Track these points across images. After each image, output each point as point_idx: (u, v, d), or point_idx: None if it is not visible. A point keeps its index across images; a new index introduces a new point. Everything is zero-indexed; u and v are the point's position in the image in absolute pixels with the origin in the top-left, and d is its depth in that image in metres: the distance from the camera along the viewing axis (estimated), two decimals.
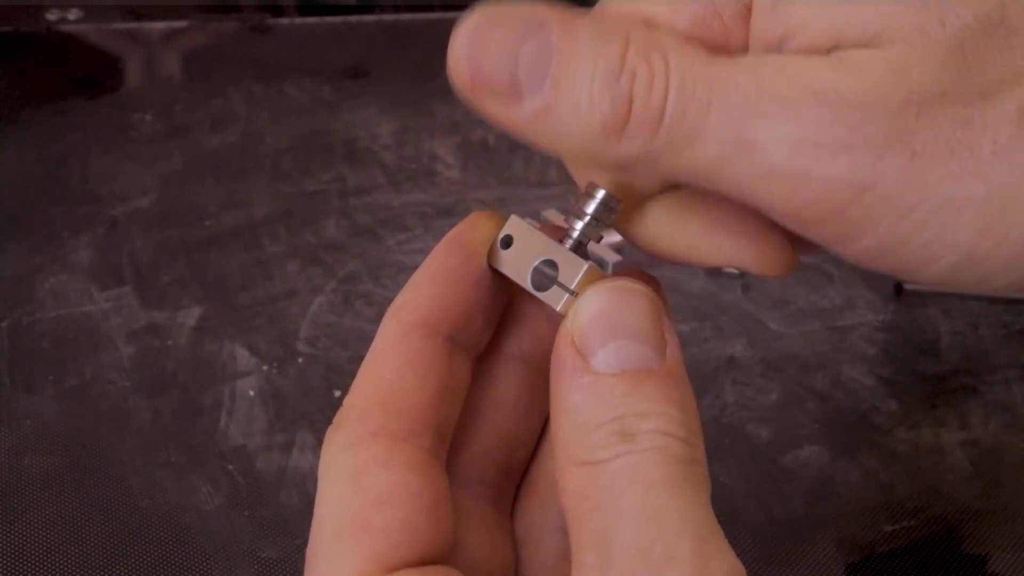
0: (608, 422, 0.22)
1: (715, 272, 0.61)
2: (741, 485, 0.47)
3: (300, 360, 0.54)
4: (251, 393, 0.51)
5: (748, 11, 0.23)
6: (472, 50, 0.22)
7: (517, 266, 0.25)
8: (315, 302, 0.58)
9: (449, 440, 0.26)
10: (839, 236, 0.22)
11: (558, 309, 0.24)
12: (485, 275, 0.26)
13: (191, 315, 0.57)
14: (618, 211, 0.25)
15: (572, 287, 0.24)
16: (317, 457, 0.49)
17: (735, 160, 0.21)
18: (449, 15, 0.95)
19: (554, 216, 0.61)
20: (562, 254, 0.25)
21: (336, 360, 0.54)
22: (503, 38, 0.22)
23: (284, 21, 0.92)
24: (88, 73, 0.82)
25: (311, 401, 0.51)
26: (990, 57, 0.20)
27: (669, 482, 0.21)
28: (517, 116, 0.22)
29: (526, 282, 0.25)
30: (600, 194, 0.25)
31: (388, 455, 0.23)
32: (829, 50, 0.21)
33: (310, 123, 0.76)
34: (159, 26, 0.89)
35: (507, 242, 0.26)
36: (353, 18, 0.93)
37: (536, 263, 0.25)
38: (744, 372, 0.54)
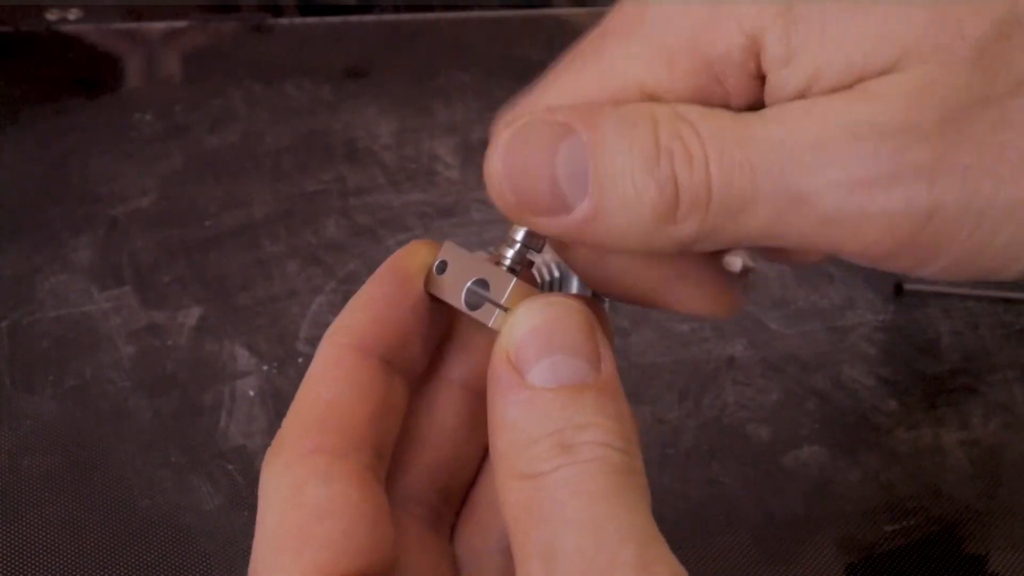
0: (547, 435, 0.22)
1: None
2: (741, 485, 0.47)
3: (300, 360, 0.54)
4: (251, 393, 0.51)
5: (750, 76, 0.23)
6: (510, 174, 0.23)
7: (452, 289, 0.26)
8: (315, 302, 0.58)
9: (388, 461, 0.26)
10: (915, 263, 0.22)
11: (490, 324, 0.24)
12: (421, 300, 0.26)
13: (191, 315, 0.57)
14: (539, 251, 0.26)
15: (502, 302, 0.24)
16: None
17: (792, 215, 0.21)
18: (449, 15, 0.95)
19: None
20: (492, 272, 0.25)
21: None
22: (536, 154, 0.22)
23: (284, 21, 0.92)
24: (88, 73, 0.82)
25: None
26: (1012, 57, 0.20)
27: (610, 491, 0.21)
28: (569, 225, 0.22)
29: (460, 303, 0.25)
30: (520, 234, 0.25)
31: (327, 470, 0.23)
32: (852, 85, 0.21)
33: (310, 123, 0.76)
34: (159, 26, 0.89)
35: (442, 267, 0.26)
36: (353, 18, 0.93)
37: (469, 284, 0.25)
38: (744, 372, 0.54)
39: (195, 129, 0.75)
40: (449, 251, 0.26)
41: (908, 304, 0.59)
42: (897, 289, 0.60)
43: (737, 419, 0.51)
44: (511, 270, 0.25)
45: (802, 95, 0.22)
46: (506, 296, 0.24)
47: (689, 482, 0.47)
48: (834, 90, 0.21)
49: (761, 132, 0.21)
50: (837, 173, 0.20)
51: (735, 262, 0.63)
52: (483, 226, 0.65)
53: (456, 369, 0.28)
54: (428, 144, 0.74)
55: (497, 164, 0.23)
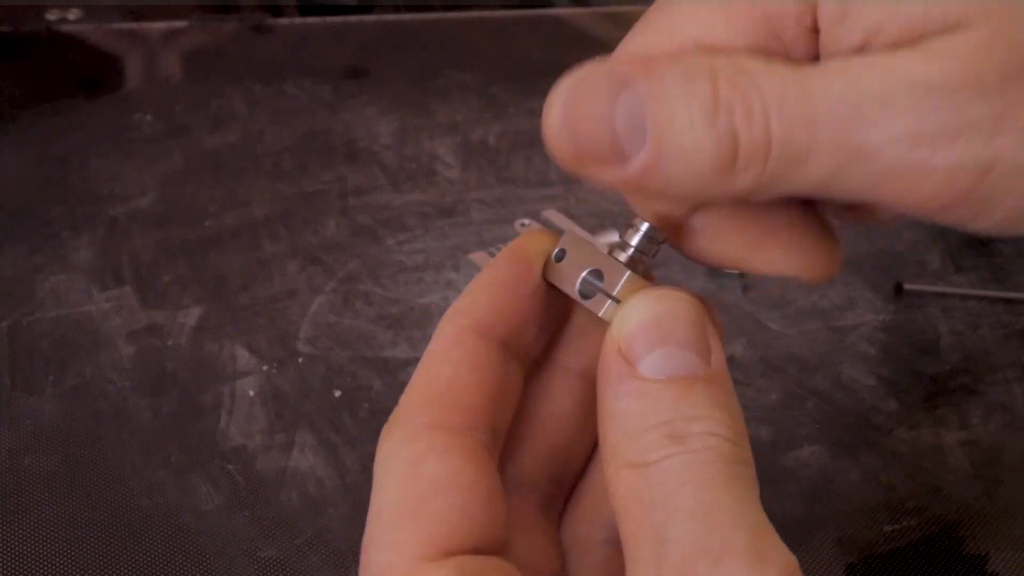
0: (657, 425, 0.22)
1: (715, 272, 0.61)
2: None
3: (300, 360, 0.54)
4: (251, 393, 0.51)
5: (806, 29, 0.23)
6: (568, 124, 0.23)
7: (568, 277, 0.26)
8: (315, 302, 0.58)
9: (502, 442, 0.26)
10: (970, 216, 0.22)
11: (600, 314, 0.25)
12: (540, 287, 0.26)
13: (191, 315, 0.57)
14: (661, 243, 0.26)
15: (614, 293, 0.25)
16: (317, 457, 0.49)
17: (852, 168, 0.21)
18: (449, 15, 0.95)
19: (554, 216, 0.61)
20: (607, 262, 0.25)
21: (336, 360, 0.54)
22: (595, 105, 0.22)
23: (284, 21, 0.93)
24: (88, 73, 0.82)
25: (311, 401, 0.51)
26: None
27: (721, 480, 0.22)
28: (627, 175, 0.23)
29: (574, 292, 0.26)
30: (644, 227, 0.26)
31: (444, 445, 0.24)
32: (914, 43, 0.21)
33: (310, 123, 0.76)
34: (159, 26, 0.89)
35: (561, 255, 0.26)
36: (353, 18, 0.93)
37: (584, 273, 0.26)
38: (744, 372, 0.54)
39: (195, 129, 0.75)
40: (569, 239, 0.26)
41: (908, 304, 0.59)
42: (897, 289, 0.60)
43: None
44: (629, 261, 0.26)
45: (860, 51, 0.22)
46: (618, 288, 0.25)
47: None
48: (894, 46, 0.21)
49: (822, 85, 0.21)
50: (900, 127, 0.21)
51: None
52: (483, 226, 0.65)
53: (572, 357, 0.28)
54: (428, 144, 0.74)
55: (556, 114, 0.23)
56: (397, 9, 0.94)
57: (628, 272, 0.25)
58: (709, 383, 0.23)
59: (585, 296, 0.25)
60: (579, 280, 0.26)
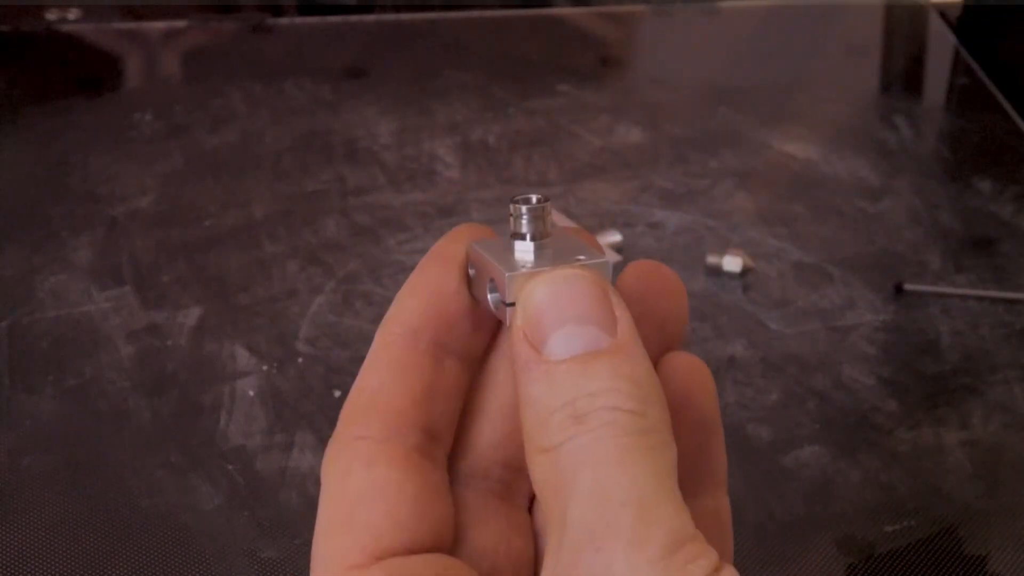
0: (562, 407, 0.22)
1: (715, 272, 0.61)
2: (741, 485, 0.47)
3: (300, 360, 0.54)
4: (251, 393, 0.51)
5: None
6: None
7: (482, 289, 0.26)
8: (315, 302, 0.58)
9: (448, 439, 0.27)
10: None
11: (507, 323, 0.25)
12: (464, 286, 0.26)
13: (191, 315, 0.57)
14: (546, 208, 0.26)
15: (508, 300, 0.25)
16: (317, 457, 0.49)
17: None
18: (449, 15, 0.95)
19: (554, 216, 0.61)
20: (496, 272, 0.25)
21: (336, 360, 0.54)
22: None
23: (284, 21, 0.93)
24: (88, 73, 0.82)
25: (311, 401, 0.51)
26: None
27: (616, 456, 0.21)
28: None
29: (488, 302, 0.26)
30: (524, 210, 0.25)
31: (370, 455, 0.24)
32: None
33: (310, 123, 0.76)
34: (159, 26, 0.89)
35: (472, 268, 0.27)
36: (353, 18, 0.93)
37: (488, 283, 0.26)
38: (744, 372, 0.54)
39: (195, 129, 0.75)
40: (474, 254, 0.26)
41: (908, 304, 0.59)
42: (897, 289, 0.60)
43: (737, 419, 0.51)
44: (516, 264, 0.25)
45: None
46: (508, 294, 0.25)
47: None
48: None
49: None
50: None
51: (735, 262, 0.63)
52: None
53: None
54: (428, 144, 0.74)
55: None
56: (397, 9, 0.94)
57: (508, 275, 0.24)
58: (612, 354, 0.23)
59: (496, 307, 0.25)
60: (487, 291, 0.26)
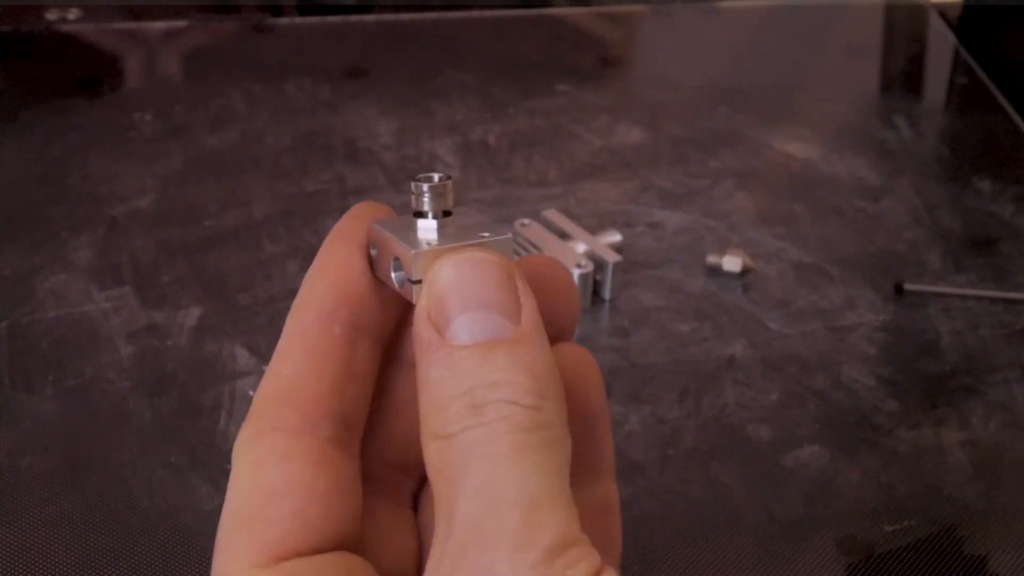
0: (460, 395, 0.22)
1: (715, 272, 0.61)
2: (741, 485, 0.47)
3: None
4: (251, 393, 0.51)
5: None
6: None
7: (385, 269, 0.25)
8: None
9: (361, 425, 0.26)
10: None
11: (414, 301, 0.24)
12: (368, 266, 0.26)
13: (191, 315, 0.57)
14: (448, 186, 0.25)
15: (414, 278, 0.24)
16: None
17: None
18: (449, 15, 0.95)
19: (554, 215, 0.61)
20: (401, 250, 0.24)
21: None
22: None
23: (284, 21, 0.93)
24: (88, 73, 0.82)
25: None
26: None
27: (511, 452, 0.21)
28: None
29: (392, 283, 0.25)
30: (425, 188, 0.25)
31: (285, 448, 0.24)
32: None
33: (310, 123, 0.76)
34: (159, 26, 0.89)
35: (374, 248, 0.26)
36: (353, 18, 0.93)
37: (392, 262, 0.25)
38: (744, 372, 0.54)
39: (195, 129, 0.75)
40: (375, 233, 0.26)
41: (908, 304, 0.59)
42: (897, 289, 0.60)
43: (737, 419, 0.51)
44: (420, 242, 0.25)
45: None
46: (415, 272, 0.24)
47: (689, 482, 0.47)
48: None
49: None
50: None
51: (735, 262, 0.63)
52: None
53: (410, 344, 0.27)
54: (428, 144, 0.74)
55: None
56: (397, 9, 0.94)
57: (414, 252, 0.24)
58: (514, 345, 0.22)
59: (401, 284, 0.25)
60: (392, 270, 0.25)
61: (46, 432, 0.49)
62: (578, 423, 0.27)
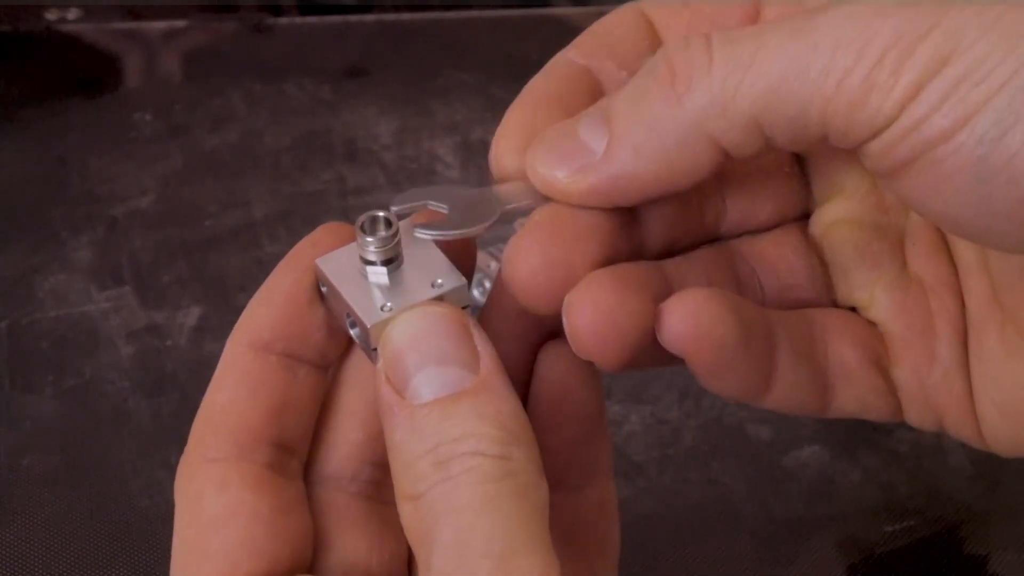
0: (426, 453, 0.22)
1: None
2: (741, 485, 0.47)
3: None
4: None
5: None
6: (540, 149, 0.25)
7: (339, 312, 0.25)
8: None
9: (304, 449, 0.26)
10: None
11: (373, 363, 0.24)
12: (317, 297, 0.26)
13: (191, 315, 0.56)
14: (397, 233, 0.24)
15: (373, 346, 0.24)
16: None
17: (796, 77, 0.21)
18: (449, 15, 0.95)
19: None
20: (354, 312, 0.24)
21: None
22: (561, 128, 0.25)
23: (284, 21, 0.92)
24: (88, 73, 0.82)
25: None
26: None
27: (480, 504, 0.21)
28: (598, 170, 0.24)
29: (345, 326, 0.25)
30: (369, 241, 0.24)
31: (222, 478, 0.24)
32: None
33: (310, 123, 0.76)
34: (159, 26, 0.89)
35: (323, 291, 0.25)
36: (353, 18, 0.93)
37: (346, 315, 0.25)
38: None
39: (195, 129, 0.74)
40: (322, 275, 0.25)
41: None
42: None
43: (737, 419, 0.50)
44: (372, 298, 0.24)
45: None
46: (372, 341, 0.24)
47: (689, 482, 0.47)
48: None
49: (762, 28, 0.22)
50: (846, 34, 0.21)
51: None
52: None
53: None
54: (428, 144, 0.74)
55: (530, 153, 0.25)
56: (397, 9, 0.94)
57: (370, 325, 0.23)
58: (475, 395, 0.22)
59: (358, 339, 0.25)
60: (347, 324, 0.25)
61: (46, 432, 0.49)
62: (573, 426, 0.27)
